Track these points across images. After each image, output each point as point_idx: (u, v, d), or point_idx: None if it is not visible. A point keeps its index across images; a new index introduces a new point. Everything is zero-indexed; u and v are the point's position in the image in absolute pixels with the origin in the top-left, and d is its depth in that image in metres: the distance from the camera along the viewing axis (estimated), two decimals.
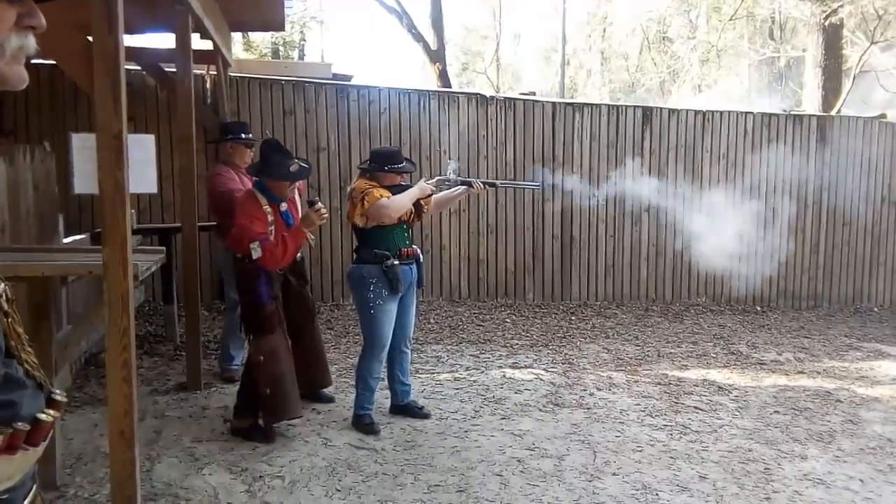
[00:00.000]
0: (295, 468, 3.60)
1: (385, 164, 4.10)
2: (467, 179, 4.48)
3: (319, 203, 3.92)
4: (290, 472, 3.56)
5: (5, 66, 0.82)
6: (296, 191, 4.22)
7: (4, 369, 0.88)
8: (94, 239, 4.96)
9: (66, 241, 4.87)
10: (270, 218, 3.91)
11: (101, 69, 2.61)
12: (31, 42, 0.85)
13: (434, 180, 4.38)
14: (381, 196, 3.98)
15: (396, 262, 4.02)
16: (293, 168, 3.98)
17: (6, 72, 0.83)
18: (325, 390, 4.57)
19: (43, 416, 0.90)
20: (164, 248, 4.27)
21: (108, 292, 2.71)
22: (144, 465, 3.48)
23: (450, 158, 7.00)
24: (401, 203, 4.03)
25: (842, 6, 11.32)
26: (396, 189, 4.10)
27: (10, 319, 0.93)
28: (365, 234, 4.07)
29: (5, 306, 0.92)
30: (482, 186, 4.42)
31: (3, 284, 0.94)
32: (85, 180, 4.34)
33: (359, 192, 4.02)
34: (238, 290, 4.07)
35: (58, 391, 0.97)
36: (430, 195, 4.22)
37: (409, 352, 4.40)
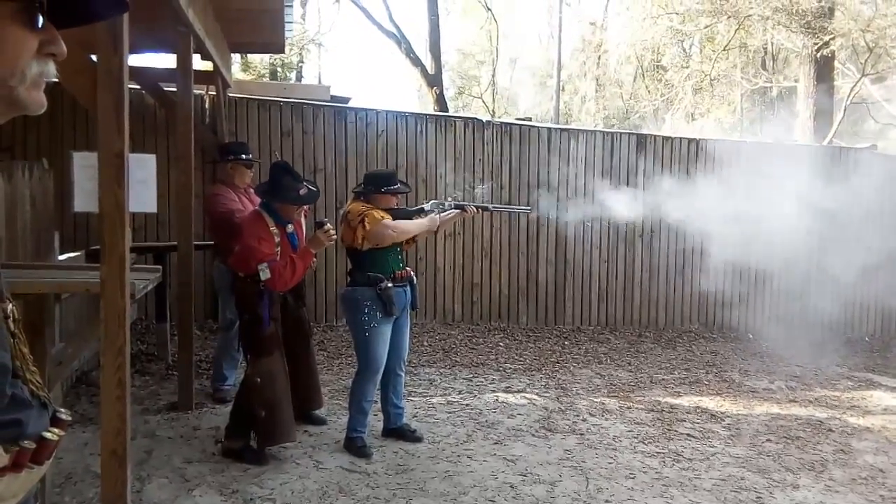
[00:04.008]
0: (286, 491, 3.57)
1: (382, 186, 4.13)
2: (461, 203, 4.49)
3: (328, 224, 3.93)
4: (282, 494, 3.53)
5: (25, 92, 0.84)
6: (302, 213, 4.25)
7: (11, 390, 0.89)
8: (90, 257, 4.96)
9: (61, 258, 4.86)
10: (277, 239, 3.92)
11: (105, 88, 2.63)
12: (51, 68, 0.87)
13: (429, 204, 4.42)
14: (383, 217, 4.00)
15: (390, 285, 4.02)
16: (302, 192, 4.00)
17: (26, 97, 0.85)
18: (316, 412, 4.55)
19: (48, 435, 0.91)
20: (160, 266, 4.28)
21: (105, 310, 2.70)
22: (135, 485, 3.45)
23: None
24: (406, 229, 4.08)
25: (833, 39, 11.52)
26: (396, 212, 4.13)
27: (16, 340, 0.94)
28: (359, 257, 4.08)
29: (12, 327, 0.93)
30: (475, 210, 4.46)
31: (10, 304, 0.95)
32: (85, 198, 4.36)
33: (356, 214, 4.02)
34: (238, 311, 4.04)
35: (63, 410, 0.98)
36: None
37: (403, 374, 4.39)
